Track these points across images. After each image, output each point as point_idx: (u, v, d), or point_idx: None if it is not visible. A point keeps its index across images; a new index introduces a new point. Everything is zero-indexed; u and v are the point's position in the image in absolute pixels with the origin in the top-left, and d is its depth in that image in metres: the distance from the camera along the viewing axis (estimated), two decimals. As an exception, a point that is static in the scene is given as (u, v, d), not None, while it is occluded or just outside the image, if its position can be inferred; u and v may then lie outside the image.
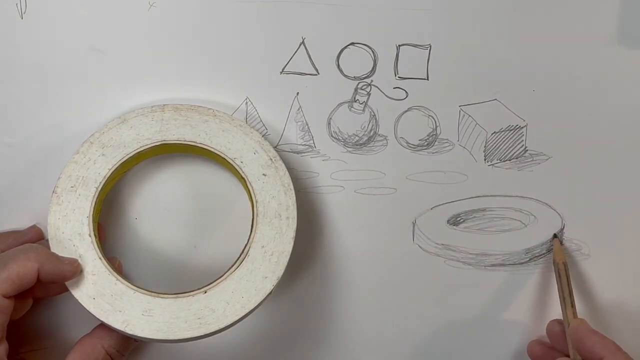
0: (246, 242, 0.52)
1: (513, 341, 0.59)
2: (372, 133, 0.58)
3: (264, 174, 0.53)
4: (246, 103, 0.57)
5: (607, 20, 0.58)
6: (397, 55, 0.57)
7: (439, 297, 0.58)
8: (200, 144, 0.54)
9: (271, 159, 0.54)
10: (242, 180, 0.54)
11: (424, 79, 0.58)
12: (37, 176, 0.56)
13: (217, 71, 0.57)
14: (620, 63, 0.58)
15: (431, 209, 0.58)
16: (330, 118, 0.58)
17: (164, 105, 0.54)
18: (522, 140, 0.58)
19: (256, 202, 0.53)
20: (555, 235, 0.58)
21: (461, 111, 0.58)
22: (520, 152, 0.58)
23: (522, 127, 0.58)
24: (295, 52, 0.57)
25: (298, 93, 0.57)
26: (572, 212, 0.58)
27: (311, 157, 0.58)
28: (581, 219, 0.58)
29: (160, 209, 0.57)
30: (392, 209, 0.58)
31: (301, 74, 0.57)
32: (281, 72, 0.57)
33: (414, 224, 0.58)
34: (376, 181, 0.58)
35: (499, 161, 0.58)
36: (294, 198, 0.53)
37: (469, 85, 0.58)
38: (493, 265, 0.59)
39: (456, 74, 0.58)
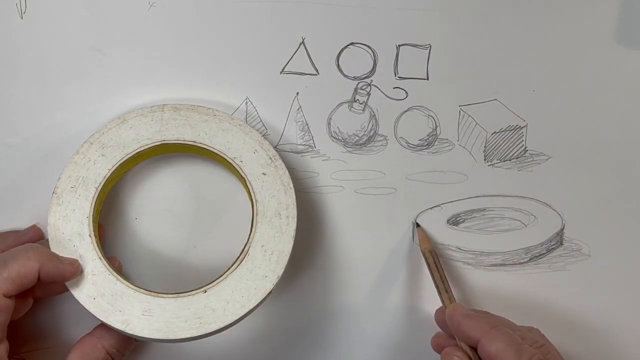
0: (246, 241, 0.52)
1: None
2: (372, 133, 0.58)
3: (263, 173, 0.53)
4: (246, 103, 0.57)
5: (607, 20, 0.58)
6: (397, 55, 0.57)
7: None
8: (200, 143, 0.54)
9: (271, 158, 0.54)
10: (242, 179, 0.54)
11: (424, 79, 0.58)
12: (37, 176, 0.56)
13: (217, 71, 0.57)
14: (620, 63, 0.58)
15: (431, 208, 0.58)
16: (330, 118, 0.58)
17: (163, 105, 0.54)
18: (522, 140, 0.58)
19: (256, 201, 0.53)
20: (417, 224, 0.57)
21: (461, 111, 0.58)
22: (520, 152, 0.58)
23: (522, 127, 0.58)
24: (295, 52, 0.57)
25: (298, 93, 0.57)
26: (572, 212, 0.58)
27: (311, 157, 0.58)
28: (581, 219, 0.58)
29: (160, 209, 0.56)
30: (392, 209, 0.58)
31: (301, 74, 0.57)
32: (281, 72, 0.57)
33: (414, 224, 0.58)
34: (376, 181, 0.58)
35: (499, 161, 0.58)
36: (294, 197, 0.53)
37: (469, 85, 0.58)
38: (493, 265, 0.58)
39: (456, 74, 0.58)
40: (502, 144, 0.58)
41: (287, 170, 0.54)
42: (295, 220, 0.53)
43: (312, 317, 0.58)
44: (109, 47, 0.56)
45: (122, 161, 0.53)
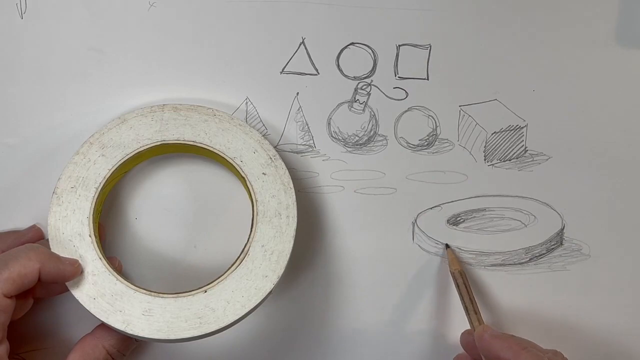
0: (246, 241, 0.52)
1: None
2: (372, 133, 0.58)
3: (263, 173, 0.53)
4: (246, 103, 0.57)
5: (606, 20, 0.58)
6: (397, 55, 0.57)
7: (439, 297, 0.58)
8: (200, 143, 0.54)
9: (271, 158, 0.54)
10: (242, 179, 0.54)
11: (424, 79, 0.58)
12: (37, 176, 0.56)
13: (217, 71, 0.57)
14: (619, 63, 0.58)
15: (431, 208, 0.58)
16: (330, 118, 0.58)
17: (163, 105, 0.54)
18: (522, 140, 0.58)
19: (256, 201, 0.53)
20: (447, 246, 0.58)
21: (461, 111, 0.58)
22: (520, 152, 0.58)
23: (522, 127, 0.58)
24: (295, 52, 0.57)
25: (298, 93, 0.57)
26: (572, 212, 0.58)
27: (311, 157, 0.58)
28: (581, 219, 0.58)
29: (160, 209, 0.56)
30: (392, 209, 0.58)
31: (301, 74, 0.57)
32: (281, 72, 0.57)
33: (414, 224, 0.58)
34: (376, 181, 0.58)
35: (499, 161, 0.58)
36: (294, 197, 0.53)
37: (469, 85, 0.58)
38: (493, 265, 0.59)
39: (456, 74, 0.58)
40: (502, 144, 0.58)
41: (287, 170, 0.54)
42: (296, 220, 0.53)
43: (312, 318, 0.58)
44: (109, 47, 0.56)
45: (122, 161, 0.53)
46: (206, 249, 0.57)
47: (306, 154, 0.58)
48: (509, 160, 0.58)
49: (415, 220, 0.58)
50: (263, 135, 0.55)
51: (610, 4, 0.57)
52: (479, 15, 0.57)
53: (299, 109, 0.57)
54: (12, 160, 0.56)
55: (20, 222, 0.56)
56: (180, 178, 0.57)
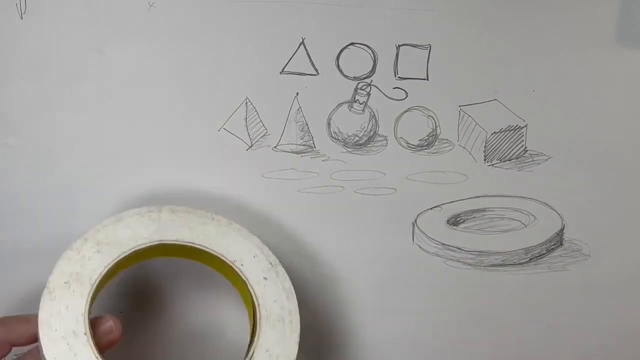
0: (249, 344, 0.51)
1: (512, 341, 0.59)
2: (372, 133, 0.58)
3: (264, 278, 0.52)
4: (246, 103, 0.57)
5: (606, 20, 0.58)
6: (397, 55, 0.57)
7: (439, 297, 0.58)
8: (199, 245, 0.52)
9: (271, 264, 0.53)
10: (242, 284, 0.52)
11: (424, 79, 0.58)
12: (37, 176, 0.56)
13: (217, 71, 0.57)
14: (620, 63, 0.58)
15: (431, 209, 0.58)
16: (330, 118, 0.58)
17: (160, 207, 0.52)
18: (522, 140, 0.58)
19: (258, 305, 0.51)
20: None
21: (461, 111, 0.58)
22: (520, 152, 0.58)
23: (522, 127, 0.58)
24: (295, 52, 0.57)
25: (298, 93, 0.57)
26: (572, 212, 0.58)
27: (311, 157, 0.58)
28: (581, 219, 0.58)
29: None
30: (392, 209, 0.58)
31: (301, 74, 0.57)
32: (281, 72, 0.57)
33: (414, 224, 0.58)
34: (376, 181, 0.58)
35: (499, 161, 0.58)
36: (296, 303, 0.52)
37: (469, 85, 0.58)
38: (493, 265, 0.59)
39: (456, 74, 0.58)
40: (502, 144, 0.58)
41: (287, 276, 0.52)
42: (299, 325, 0.52)
43: (311, 317, 0.58)
44: (109, 47, 0.56)
45: (118, 259, 0.50)
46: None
47: (306, 154, 0.58)
48: (509, 160, 0.58)
49: (415, 221, 0.58)
50: (262, 242, 0.53)
51: (610, 4, 0.57)
52: (479, 15, 0.57)
53: (298, 109, 0.57)
54: (12, 160, 0.56)
55: (19, 222, 0.56)
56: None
